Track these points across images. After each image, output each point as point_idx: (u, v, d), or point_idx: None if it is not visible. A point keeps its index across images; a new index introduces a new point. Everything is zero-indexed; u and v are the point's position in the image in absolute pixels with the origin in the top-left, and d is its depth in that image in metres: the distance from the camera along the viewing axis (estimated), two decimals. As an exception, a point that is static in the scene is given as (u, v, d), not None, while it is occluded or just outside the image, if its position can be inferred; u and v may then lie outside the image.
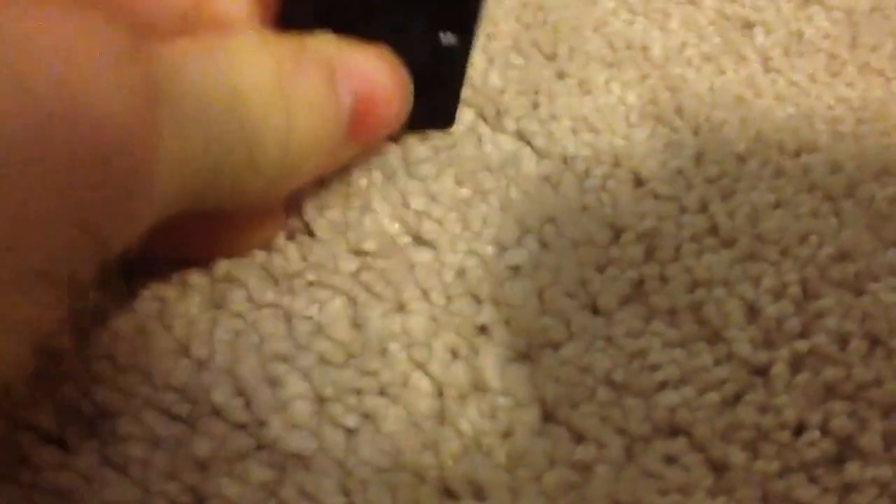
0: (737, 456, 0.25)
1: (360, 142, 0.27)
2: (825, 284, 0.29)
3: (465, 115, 0.33)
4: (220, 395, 0.26)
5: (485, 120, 0.33)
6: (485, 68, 0.34)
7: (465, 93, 0.33)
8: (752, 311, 0.28)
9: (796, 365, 0.27)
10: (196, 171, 0.22)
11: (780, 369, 0.27)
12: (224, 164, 0.23)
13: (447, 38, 0.29)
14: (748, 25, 0.37)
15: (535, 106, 0.34)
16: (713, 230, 0.30)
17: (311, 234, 0.30)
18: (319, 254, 0.29)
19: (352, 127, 0.26)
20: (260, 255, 0.29)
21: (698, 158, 0.32)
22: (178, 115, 0.21)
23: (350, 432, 0.26)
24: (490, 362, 0.27)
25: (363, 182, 0.31)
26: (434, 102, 0.30)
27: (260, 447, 0.25)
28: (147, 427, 0.25)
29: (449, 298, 0.28)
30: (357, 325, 0.28)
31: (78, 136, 0.19)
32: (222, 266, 0.28)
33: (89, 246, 0.20)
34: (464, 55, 0.29)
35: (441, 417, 0.26)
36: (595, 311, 0.28)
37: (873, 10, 0.37)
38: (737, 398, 0.26)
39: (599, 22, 0.37)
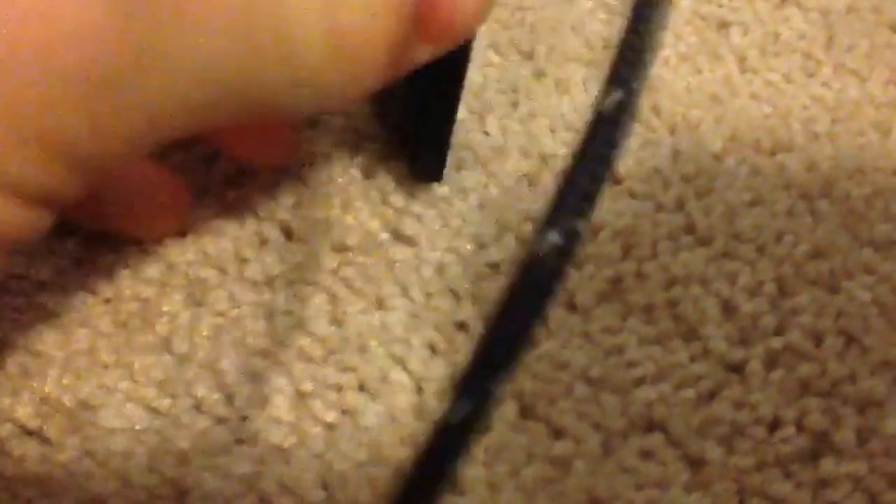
0: (713, 451, 0.26)
1: (433, 42, 0.23)
2: (800, 282, 0.29)
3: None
4: (201, 390, 0.26)
5: (464, 118, 0.33)
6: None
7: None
8: (728, 309, 0.28)
9: (771, 362, 0.27)
10: (206, 81, 0.20)
11: (755, 366, 0.27)
12: (250, 69, 0.20)
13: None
14: (724, 25, 0.37)
15: (514, 105, 0.34)
16: (690, 228, 0.30)
17: (291, 231, 0.30)
18: (300, 251, 0.29)
19: (420, 25, 0.22)
20: (241, 253, 0.29)
21: (675, 157, 0.32)
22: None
23: (330, 427, 0.26)
24: (469, 358, 0.27)
25: (343, 179, 0.31)
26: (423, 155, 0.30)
27: (240, 441, 0.25)
28: (128, 421, 0.26)
29: (428, 295, 0.28)
30: (337, 321, 0.28)
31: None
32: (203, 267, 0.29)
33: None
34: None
35: (420, 413, 0.26)
36: (572, 307, 0.28)
37: (849, 11, 0.38)
38: (712, 394, 0.27)
39: (577, 21, 0.37)
